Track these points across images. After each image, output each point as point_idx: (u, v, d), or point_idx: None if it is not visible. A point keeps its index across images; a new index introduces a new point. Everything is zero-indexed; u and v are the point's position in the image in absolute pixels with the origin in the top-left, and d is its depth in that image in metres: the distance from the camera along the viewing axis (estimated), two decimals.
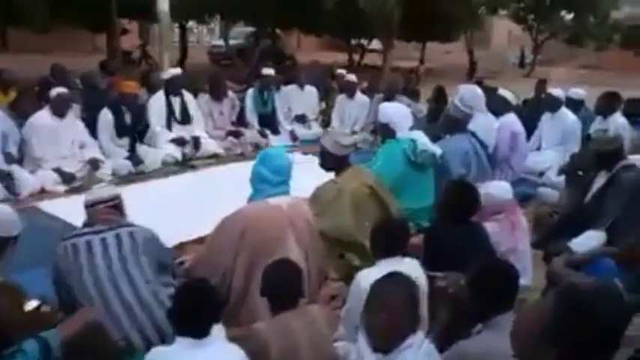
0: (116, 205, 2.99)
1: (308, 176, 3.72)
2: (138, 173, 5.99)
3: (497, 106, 6.06)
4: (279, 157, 3.10)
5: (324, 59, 21.65)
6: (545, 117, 6.48)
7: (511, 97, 6.00)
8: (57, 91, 5.61)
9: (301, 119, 7.91)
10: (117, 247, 2.76)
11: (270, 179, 3.03)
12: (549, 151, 6.27)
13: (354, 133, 7.55)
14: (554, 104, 6.31)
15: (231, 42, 23.81)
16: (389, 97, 7.44)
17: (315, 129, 7.90)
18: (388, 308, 1.94)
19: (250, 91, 7.63)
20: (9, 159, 5.38)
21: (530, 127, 6.42)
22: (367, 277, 2.62)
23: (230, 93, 7.33)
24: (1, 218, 2.66)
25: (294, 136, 7.66)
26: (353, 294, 2.66)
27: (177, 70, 6.74)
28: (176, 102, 6.63)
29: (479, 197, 3.01)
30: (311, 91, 8.20)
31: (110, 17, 13.64)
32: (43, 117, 5.58)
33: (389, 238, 2.74)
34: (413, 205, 4.23)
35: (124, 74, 9.00)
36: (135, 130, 6.17)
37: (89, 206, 2.95)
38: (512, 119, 5.79)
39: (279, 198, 3.02)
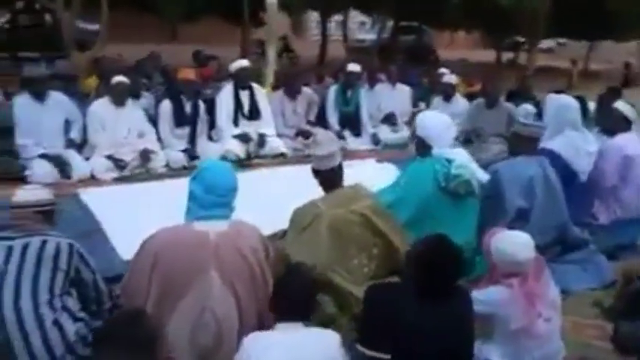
0: (44, 212, 2.69)
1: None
2: (194, 168, 5.73)
3: (611, 124, 4.86)
4: (216, 172, 2.52)
5: (475, 57, 20.35)
6: None
7: (631, 113, 4.74)
8: (117, 79, 5.56)
9: (390, 120, 7.16)
10: (20, 256, 2.46)
11: (201, 198, 2.47)
12: None
13: None
14: None
15: (375, 37, 23.40)
16: (490, 102, 6.43)
17: (404, 133, 7.11)
18: None
19: (332, 89, 7.06)
20: (68, 144, 5.45)
21: None
22: (257, 344, 1.99)
23: (307, 90, 6.81)
24: None
25: (375, 140, 6.94)
26: None
27: (245, 62, 6.39)
28: (245, 96, 6.29)
29: (454, 265, 2.12)
30: (403, 89, 7.40)
31: (241, 8, 13.84)
32: (102, 105, 5.58)
33: (286, 298, 2.07)
34: None
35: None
36: (195, 121, 5.92)
37: (13, 207, 2.67)
38: (626, 140, 4.55)
39: (210, 223, 2.46)
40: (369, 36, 23.83)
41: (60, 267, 2.48)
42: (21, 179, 5.07)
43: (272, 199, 4.40)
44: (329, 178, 3.03)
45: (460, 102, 6.94)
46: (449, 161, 3.43)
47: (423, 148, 3.57)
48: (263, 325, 2.59)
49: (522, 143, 3.65)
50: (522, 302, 2.39)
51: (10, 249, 2.46)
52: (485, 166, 4.57)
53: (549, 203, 3.60)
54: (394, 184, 3.52)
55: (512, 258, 2.45)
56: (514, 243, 2.48)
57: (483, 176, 3.45)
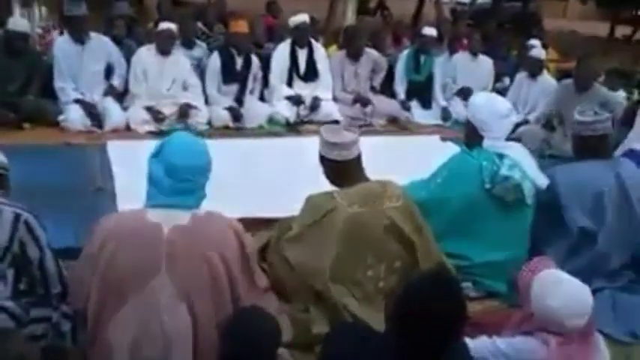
0: None
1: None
2: (237, 128, 5.33)
3: None
4: (179, 150, 2.01)
5: (587, 30, 18.42)
6: None
7: None
8: (162, 26, 5.19)
9: (464, 94, 6.35)
10: None
11: (160, 182, 2.00)
12: None
13: (526, 122, 5.81)
14: None
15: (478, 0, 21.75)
16: (581, 85, 5.46)
17: None
18: None
19: (404, 54, 6.34)
20: (109, 90, 5.19)
21: None
22: None
23: (372, 52, 6.13)
24: None
25: (446, 115, 6.20)
26: None
27: (305, 17, 5.78)
28: (302, 55, 5.73)
29: (453, 322, 1.49)
30: (485, 61, 6.54)
31: None
32: (146, 52, 5.24)
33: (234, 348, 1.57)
34: (476, 255, 2.77)
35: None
36: (245, 78, 5.47)
37: None
38: None
39: (167, 213, 1.99)
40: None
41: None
42: (56, 124, 4.92)
43: (306, 174, 3.91)
44: (341, 171, 2.47)
45: (547, 81, 6.00)
46: (500, 157, 2.74)
47: (473, 136, 2.90)
48: None
49: (586, 146, 2.86)
50: None
51: None
52: (563, 161, 3.84)
53: (624, 224, 2.83)
54: (429, 179, 2.89)
55: (557, 319, 1.81)
56: (565, 303, 1.81)
57: (542, 181, 2.74)
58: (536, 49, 6.12)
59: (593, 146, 2.75)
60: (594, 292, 2.11)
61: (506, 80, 6.93)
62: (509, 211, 2.75)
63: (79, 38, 4.94)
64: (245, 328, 1.70)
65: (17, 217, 2.17)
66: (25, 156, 3.74)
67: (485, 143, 2.82)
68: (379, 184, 2.54)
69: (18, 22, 4.94)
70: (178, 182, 1.99)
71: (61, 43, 5.01)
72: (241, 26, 5.43)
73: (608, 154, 2.84)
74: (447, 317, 1.48)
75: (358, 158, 2.52)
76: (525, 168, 2.71)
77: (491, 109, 2.82)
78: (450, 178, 2.81)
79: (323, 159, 2.51)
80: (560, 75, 6.64)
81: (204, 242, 1.99)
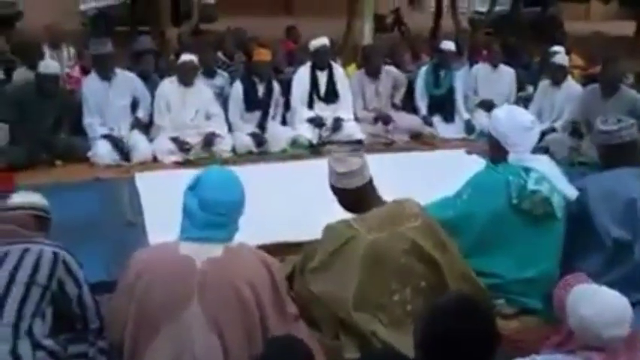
0: (38, 217, 2.42)
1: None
2: (261, 153, 5.39)
3: None
4: (215, 185, 2.04)
5: (612, 30, 18.12)
6: None
7: None
8: (183, 58, 5.30)
9: (486, 106, 6.31)
10: (16, 262, 2.17)
11: (194, 215, 2.04)
12: None
13: (553, 130, 5.73)
14: None
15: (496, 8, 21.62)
16: (608, 90, 5.38)
17: None
18: None
19: (423, 69, 6.35)
20: (134, 124, 5.32)
21: None
22: None
23: (391, 69, 6.15)
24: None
25: (469, 127, 6.15)
26: None
27: (325, 40, 5.84)
28: (322, 77, 5.79)
29: (478, 348, 1.47)
30: (506, 72, 6.49)
31: None
32: (169, 84, 5.36)
33: None
34: (508, 273, 2.73)
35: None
36: (267, 104, 5.54)
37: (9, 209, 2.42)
38: None
39: (200, 246, 2.02)
40: (484, 8, 22.10)
41: (37, 281, 2.18)
42: (86, 160, 5.04)
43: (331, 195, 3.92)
44: (354, 198, 2.46)
45: (572, 87, 5.91)
46: (526, 171, 2.71)
47: (497, 151, 2.87)
48: None
49: (613, 154, 2.79)
50: None
51: (6, 254, 2.19)
52: (593, 168, 3.77)
53: None
54: (455, 196, 2.86)
55: (594, 330, 1.76)
56: (599, 311, 1.75)
57: (572, 192, 2.70)
58: (559, 55, 6.05)
59: (620, 154, 2.69)
60: (633, 305, 2.05)
61: (530, 89, 6.86)
62: (539, 226, 2.70)
63: (106, 75, 5.09)
64: (279, 356, 1.71)
65: (56, 256, 2.24)
66: (58, 193, 3.84)
67: (511, 157, 2.79)
68: (396, 205, 2.51)
69: (49, 64, 5.10)
70: (212, 216, 2.01)
71: (89, 81, 5.18)
72: (264, 55, 5.54)
73: (637, 161, 2.78)
74: (474, 339, 1.46)
75: (370, 183, 2.50)
76: (553, 181, 2.67)
77: (513, 122, 2.80)
78: (475, 195, 2.79)
79: (334, 188, 2.50)
80: (586, 81, 6.54)
81: (234, 273, 2.02)
